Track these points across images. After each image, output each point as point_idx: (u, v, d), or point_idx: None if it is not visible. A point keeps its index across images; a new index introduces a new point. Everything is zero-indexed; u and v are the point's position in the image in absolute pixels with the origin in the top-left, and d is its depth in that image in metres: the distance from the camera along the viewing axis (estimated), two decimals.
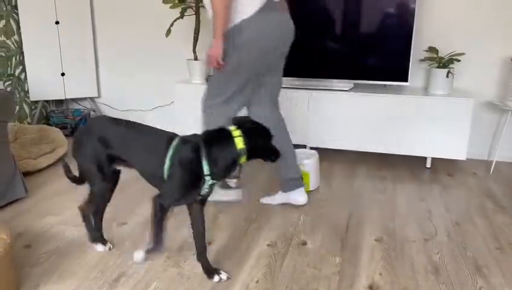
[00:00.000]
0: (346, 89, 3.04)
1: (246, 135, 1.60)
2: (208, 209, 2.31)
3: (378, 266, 1.81)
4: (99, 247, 1.91)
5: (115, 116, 1.94)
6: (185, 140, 1.65)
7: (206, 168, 1.58)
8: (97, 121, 1.86)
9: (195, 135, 1.69)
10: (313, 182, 2.57)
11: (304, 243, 1.99)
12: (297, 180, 2.34)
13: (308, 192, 2.55)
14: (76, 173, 1.87)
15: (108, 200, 1.87)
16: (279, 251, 1.91)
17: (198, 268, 1.78)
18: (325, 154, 3.17)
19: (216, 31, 1.99)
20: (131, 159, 1.73)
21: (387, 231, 2.11)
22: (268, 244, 1.97)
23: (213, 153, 1.58)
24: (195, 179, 1.60)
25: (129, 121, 1.79)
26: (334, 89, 3.04)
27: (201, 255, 1.75)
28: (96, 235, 1.92)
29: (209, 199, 1.76)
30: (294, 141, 3.10)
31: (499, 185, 2.70)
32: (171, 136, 1.68)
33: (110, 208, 2.31)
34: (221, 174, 1.64)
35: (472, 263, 1.84)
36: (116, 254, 1.88)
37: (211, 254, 1.88)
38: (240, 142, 1.59)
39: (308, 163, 2.55)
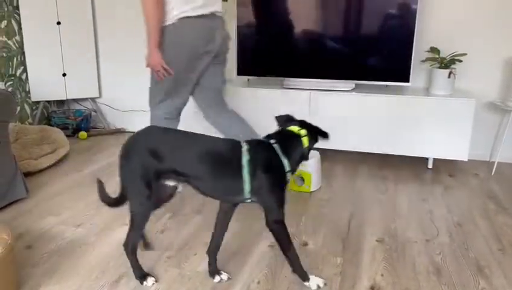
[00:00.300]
0: (348, 89, 3.04)
1: (310, 135, 1.67)
2: (208, 210, 2.31)
3: (379, 266, 1.80)
4: (150, 281, 1.69)
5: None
6: (255, 142, 1.64)
7: (287, 166, 1.59)
8: (146, 132, 1.65)
9: (257, 139, 1.70)
10: (314, 182, 2.57)
11: (305, 244, 1.98)
12: None
13: (310, 193, 2.56)
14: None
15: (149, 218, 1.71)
16: (280, 252, 1.90)
17: (199, 268, 1.77)
18: (327, 155, 3.17)
19: (151, 38, 2.12)
20: (191, 171, 1.57)
21: (388, 231, 2.10)
22: (269, 245, 1.96)
23: (288, 151, 1.61)
24: (284, 178, 1.60)
25: (179, 130, 1.70)
26: (335, 89, 3.04)
27: (214, 254, 1.73)
28: (143, 272, 1.69)
29: None
30: None
31: (501, 186, 2.69)
32: (235, 141, 1.62)
33: (112, 209, 2.31)
34: (295, 170, 1.67)
35: (474, 264, 1.83)
36: (117, 254, 1.88)
37: None
38: (306, 141, 1.64)
39: (310, 164, 2.54)
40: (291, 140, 1.64)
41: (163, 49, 2.15)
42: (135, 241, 1.67)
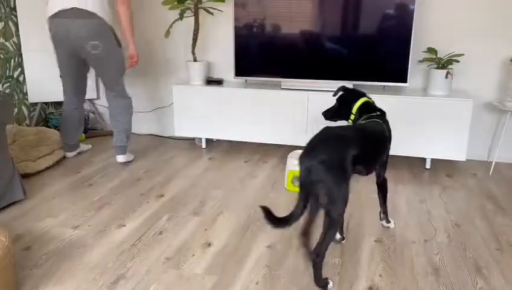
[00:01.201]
0: None
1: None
2: (208, 210, 2.31)
3: (378, 267, 1.80)
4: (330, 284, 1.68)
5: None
6: (376, 117, 1.97)
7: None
8: (334, 132, 1.69)
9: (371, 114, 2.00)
10: None
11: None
12: (118, 148, 3.02)
13: None
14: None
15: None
16: (279, 252, 1.91)
17: (198, 269, 1.77)
18: None
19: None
20: (370, 157, 1.84)
21: (387, 232, 2.10)
22: (268, 246, 1.96)
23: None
24: None
25: (339, 125, 1.79)
26: (333, 90, 3.03)
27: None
28: (326, 280, 1.67)
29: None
30: (294, 142, 3.12)
31: (499, 186, 2.70)
32: (373, 120, 1.93)
33: (110, 210, 2.31)
34: None
35: (472, 264, 1.83)
36: (115, 256, 1.88)
37: (209, 255, 1.88)
38: None
39: None
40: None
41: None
42: (328, 246, 1.64)
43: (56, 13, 2.64)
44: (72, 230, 2.10)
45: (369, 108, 2.02)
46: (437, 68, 2.93)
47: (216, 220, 2.21)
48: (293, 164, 2.57)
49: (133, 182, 2.73)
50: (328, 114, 2.19)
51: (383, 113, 2.00)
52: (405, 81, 2.92)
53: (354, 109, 2.03)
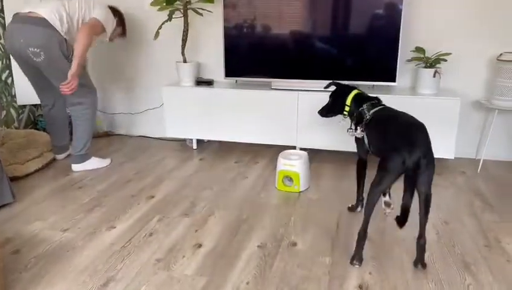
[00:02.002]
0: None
1: None
2: (198, 211, 2.31)
3: (368, 265, 1.82)
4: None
5: None
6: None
7: None
8: (416, 122, 1.82)
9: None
10: (303, 182, 2.58)
11: (294, 244, 1.99)
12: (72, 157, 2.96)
13: (299, 193, 2.57)
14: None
15: None
16: (270, 252, 1.91)
17: (189, 270, 1.77)
18: (315, 155, 3.19)
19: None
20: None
21: (377, 230, 2.12)
22: (258, 246, 1.97)
23: None
24: None
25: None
26: (322, 89, 3.05)
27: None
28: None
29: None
30: (285, 142, 3.13)
31: (487, 184, 2.73)
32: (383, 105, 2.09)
33: (100, 212, 2.30)
34: None
35: (461, 261, 1.85)
36: (105, 258, 1.87)
37: (200, 256, 1.88)
38: None
39: (298, 164, 2.56)
40: None
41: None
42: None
43: (14, 16, 2.65)
44: (61, 233, 2.09)
45: (364, 98, 2.13)
46: (425, 67, 2.95)
47: (207, 221, 2.21)
48: (283, 164, 2.58)
49: (123, 183, 2.72)
50: (324, 111, 2.33)
51: (379, 100, 2.11)
52: (394, 80, 2.94)
53: (349, 101, 2.15)
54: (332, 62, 3.06)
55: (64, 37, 2.64)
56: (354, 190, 2.46)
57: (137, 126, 3.84)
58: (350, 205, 2.35)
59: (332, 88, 2.29)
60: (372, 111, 2.04)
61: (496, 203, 2.44)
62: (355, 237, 2.01)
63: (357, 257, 1.82)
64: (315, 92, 3.03)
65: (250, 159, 3.18)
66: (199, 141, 3.50)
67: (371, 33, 2.95)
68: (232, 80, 3.36)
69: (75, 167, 2.93)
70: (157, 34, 3.15)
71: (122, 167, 3.03)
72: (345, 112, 2.20)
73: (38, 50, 2.57)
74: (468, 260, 1.87)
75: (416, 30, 3.07)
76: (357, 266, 1.81)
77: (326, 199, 2.48)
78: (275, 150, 3.33)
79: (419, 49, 2.96)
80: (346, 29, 3.02)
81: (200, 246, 1.97)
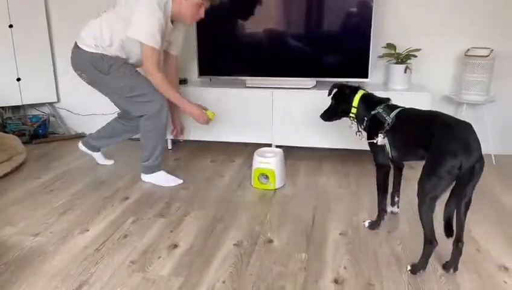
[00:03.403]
0: (309, 87, 3.08)
1: None
2: (174, 212, 2.29)
3: (343, 259, 1.84)
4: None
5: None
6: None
7: None
8: (465, 123, 1.67)
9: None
10: (278, 179, 2.59)
11: (270, 241, 1.99)
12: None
13: (274, 190, 2.57)
14: None
15: None
16: (246, 250, 1.91)
17: (164, 271, 1.75)
18: (290, 152, 3.20)
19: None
20: None
21: (351, 224, 2.14)
22: (234, 244, 1.96)
23: None
24: None
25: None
26: (297, 87, 3.07)
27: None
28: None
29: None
30: (260, 140, 3.13)
31: None
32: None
33: (73, 215, 2.25)
34: None
35: (434, 252, 1.88)
36: (78, 262, 1.83)
37: (175, 256, 1.86)
38: None
39: (273, 161, 2.56)
40: None
41: None
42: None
43: None
44: (32, 238, 2.03)
45: (374, 99, 2.02)
46: (396, 63, 3.01)
47: (182, 221, 2.19)
48: (259, 162, 2.58)
49: (97, 185, 2.67)
50: (327, 115, 2.18)
51: (390, 100, 2.02)
52: (366, 76, 2.98)
53: (355, 102, 2.02)
54: (306, 59, 3.07)
55: (101, 52, 2.46)
56: (329, 185, 2.49)
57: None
58: (370, 222, 2.10)
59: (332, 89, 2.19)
60: (393, 114, 1.90)
61: None
62: (331, 231, 2.03)
63: (425, 265, 1.73)
64: (290, 90, 3.04)
65: (226, 158, 3.17)
66: (174, 142, 3.47)
67: (344, 30, 2.98)
68: (206, 78, 3.34)
69: (143, 177, 2.73)
70: None
71: (96, 169, 2.97)
72: (351, 115, 2.05)
73: (79, 72, 2.60)
74: (439, 251, 1.90)
75: (388, 27, 3.12)
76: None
77: (301, 196, 2.50)
78: (250, 149, 3.32)
79: (390, 46, 3.01)
80: (319, 27, 3.05)
81: (175, 246, 1.95)
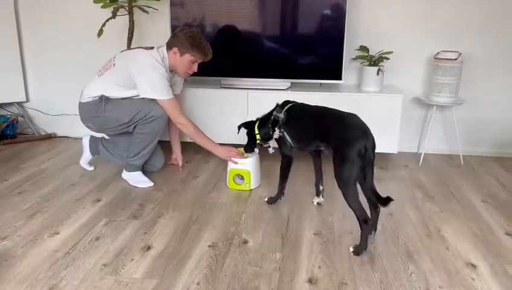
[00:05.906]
0: (284, 88, 3.10)
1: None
2: (148, 213, 2.26)
3: (317, 259, 1.85)
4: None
5: None
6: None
7: None
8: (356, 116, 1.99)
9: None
10: (254, 180, 2.59)
11: (245, 242, 1.99)
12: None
13: (250, 191, 2.57)
14: None
15: None
16: (221, 252, 1.91)
17: (137, 274, 1.73)
18: (266, 154, 3.20)
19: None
20: None
21: (326, 224, 2.17)
22: (209, 245, 1.95)
23: None
24: None
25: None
26: (271, 88, 3.08)
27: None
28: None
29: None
30: (235, 141, 3.12)
31: (428, 176, 2.87)
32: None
33: (42, 218, 2.19)
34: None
35: (404, 250, 1.93)
36: (47, 265, 1.78)
37: (149, 258, 1.84)
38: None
39: (249, 162, 2.56)
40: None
41: None
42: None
43: None
44: None
45: (266, 116, 2.32)
46: (369, 65, 3.06)
47: (156, 223, 2.16)
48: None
49: (68, 187, 2.61)
50: (248, 148, 2.48)
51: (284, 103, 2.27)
52: (340, 78, 3.02)
53: (256, 130, 2.35)
54: (280, 61, 3.09)
55: (101, 94, 2.59)
56: (304, 186, 2.50)
57: (82, 128, 3.68)
58: (269, 197, 2.41)
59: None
60: (284, 110, 2.18)
61: (435, 194, 2.57)
62: (305, 231, 2.05)
63: (366, 245, 1.90)
64: (264, 91, 3.05)
65: (201, 159, 3.15)
66: None
67: (318, 33, 3.02)
68: None
69: (123, 174, 2.72)
70: (100, 31, 3.04)
71: (66, 170, 2.90)
72: (258, 140, 2.35)
73: (86, 124, 2.73)
74: (411, 249, 1.95)
75: (361, 30, 3.17)
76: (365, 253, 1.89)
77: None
78: None
79: (363, 48, 3.06)
80: (294, 29, 3.07)
81: (149, 248, 1.92)
